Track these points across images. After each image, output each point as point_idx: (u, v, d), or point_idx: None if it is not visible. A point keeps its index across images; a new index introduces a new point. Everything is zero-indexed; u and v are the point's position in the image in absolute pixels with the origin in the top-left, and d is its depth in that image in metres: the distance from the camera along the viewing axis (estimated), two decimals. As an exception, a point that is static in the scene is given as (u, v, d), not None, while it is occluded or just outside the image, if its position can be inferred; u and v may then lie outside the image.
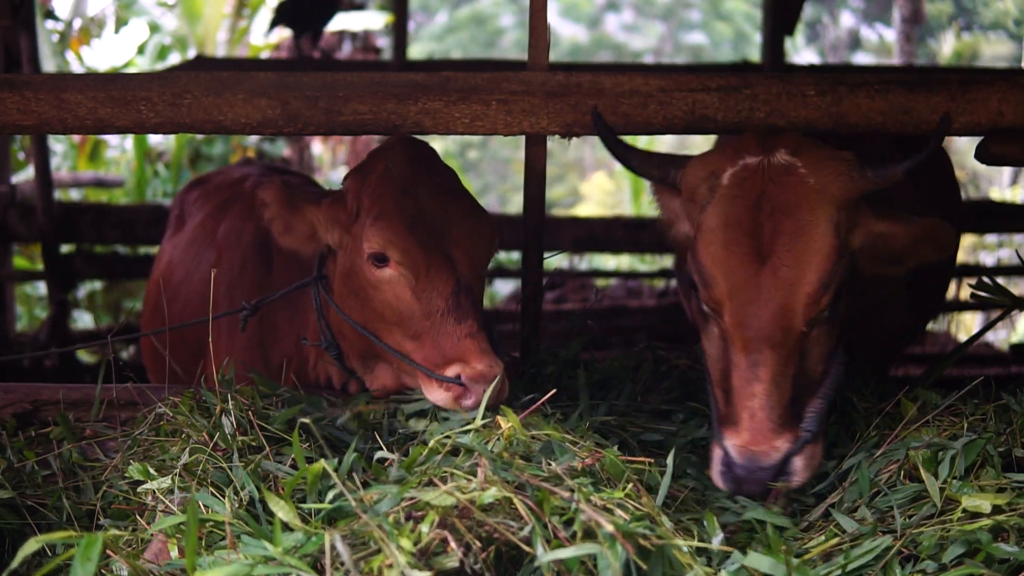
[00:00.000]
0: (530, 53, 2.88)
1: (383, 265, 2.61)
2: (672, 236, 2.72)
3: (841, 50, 24.77)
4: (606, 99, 2.72)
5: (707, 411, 2.80)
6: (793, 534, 2.19)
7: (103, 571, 1.96)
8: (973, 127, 2.72)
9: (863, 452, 2.43)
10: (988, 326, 2.97)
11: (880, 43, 25.50)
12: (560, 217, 7.66)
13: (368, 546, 1.73)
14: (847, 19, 26.35)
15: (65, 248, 6.66)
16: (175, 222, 4.10)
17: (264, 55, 12.64)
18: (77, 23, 12.41)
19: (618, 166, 15.67)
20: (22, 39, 5.74)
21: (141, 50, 12.90)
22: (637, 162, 2.65)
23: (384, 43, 14.05)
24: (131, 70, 12.41)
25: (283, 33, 11.39)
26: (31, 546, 1.63)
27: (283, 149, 12.22)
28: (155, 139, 11.11)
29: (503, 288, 10.73)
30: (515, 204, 19.31)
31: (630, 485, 1.95)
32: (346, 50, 13.77)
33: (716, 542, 2.01)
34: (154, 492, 2.22)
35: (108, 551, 1.93)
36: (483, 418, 2.20)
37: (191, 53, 12.73)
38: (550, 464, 1.97)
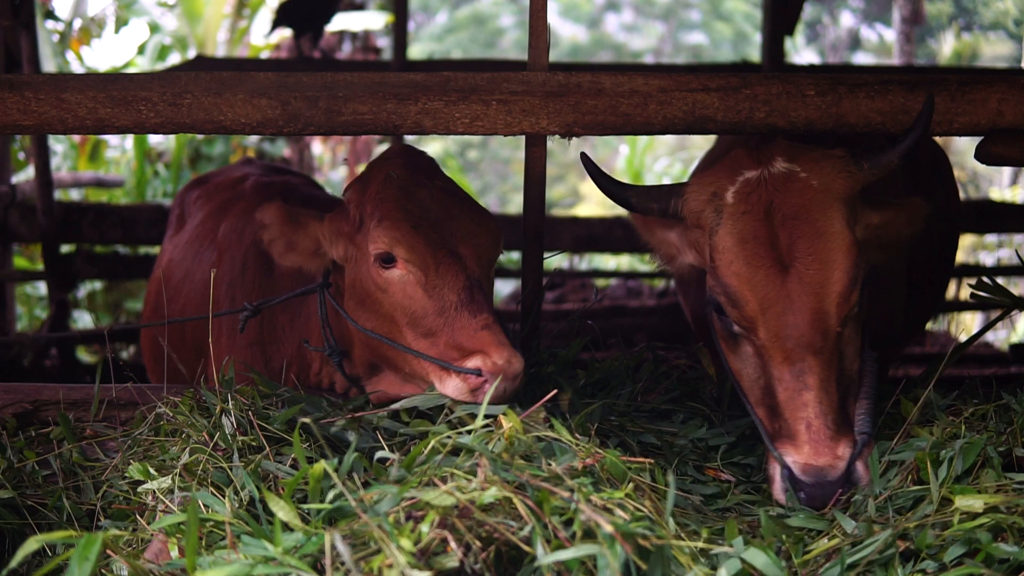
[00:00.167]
0: (530, 53, 2.87)
1: (391, 265, 2.60)
2: (676, 269, 2.69)
3: (841, 50, 24.80)
4: (606, 99, 2.72)
5: (706, 411, 2.81)
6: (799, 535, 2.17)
7: (103, 571, 1.96)
8: (973, 127, 2.72)
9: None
10: (988, 326, 2.96)
11: (880, 43, 25.53)
12: (560, 217, 7.65)
13: (368, 546, 1.73)
14: (847, 19, 26.38)
15: (65, 248, 6.67)
16: (176, 222, 4.10)
17: (264, 55, 12.65)
18: (77, 23, 12.40)
19: (618, 166, 15.66)
20: (22, 39, 5.75)
21: (141, 50, 12.91)
22: (636, 199, 2.61)
23: (384, 43, 14.08)
24: (131, 70, 12.41)
25: (283, 33, 11.39)
26: (31, 546, 1.62)
27: (283, 149, 12.23)
28: (155, 139, 11.11)
29: (503, 288, 10.73)
30: (515, 204, 19.31)
31: (631, 485, 1.95)
32: (346, 50, 13.80)
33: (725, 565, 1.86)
34: (154, 492, 2.22)
35: (108, 551, 1.92)
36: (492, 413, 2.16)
37: (191, 53, 12.74)
38: (550, 464, 1.97)
